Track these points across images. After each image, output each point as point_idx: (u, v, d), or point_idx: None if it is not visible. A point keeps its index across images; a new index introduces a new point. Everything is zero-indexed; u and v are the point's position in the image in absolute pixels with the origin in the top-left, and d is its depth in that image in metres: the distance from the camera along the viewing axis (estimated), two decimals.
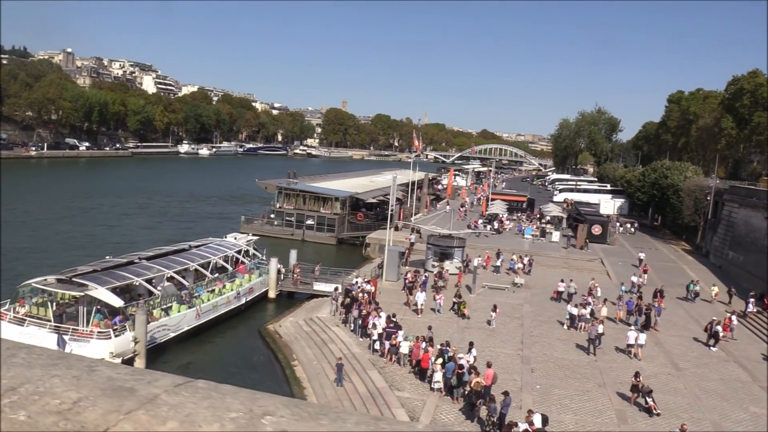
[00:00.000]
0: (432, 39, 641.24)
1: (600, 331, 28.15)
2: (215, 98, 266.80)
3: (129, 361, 25.45)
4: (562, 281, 37.84)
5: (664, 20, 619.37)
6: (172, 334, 28.73)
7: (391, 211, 42.22)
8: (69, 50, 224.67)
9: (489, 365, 21.93)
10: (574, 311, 31.33)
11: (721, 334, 30.60)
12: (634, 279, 40.40)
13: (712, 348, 29.56)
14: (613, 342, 29.10)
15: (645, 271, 41.78)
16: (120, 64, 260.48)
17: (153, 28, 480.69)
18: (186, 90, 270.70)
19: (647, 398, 20.80)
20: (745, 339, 32.34)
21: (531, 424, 17.96)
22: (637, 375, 22.25)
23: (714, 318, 31.14)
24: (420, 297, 31.48)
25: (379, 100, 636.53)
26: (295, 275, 38.91)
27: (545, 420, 18.79)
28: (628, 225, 68.20)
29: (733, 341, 31.26)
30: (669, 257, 55.06)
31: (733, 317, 32.25)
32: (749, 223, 47.39)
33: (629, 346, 28.40)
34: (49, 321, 26.21)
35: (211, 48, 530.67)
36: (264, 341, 30.56)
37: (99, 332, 25.39)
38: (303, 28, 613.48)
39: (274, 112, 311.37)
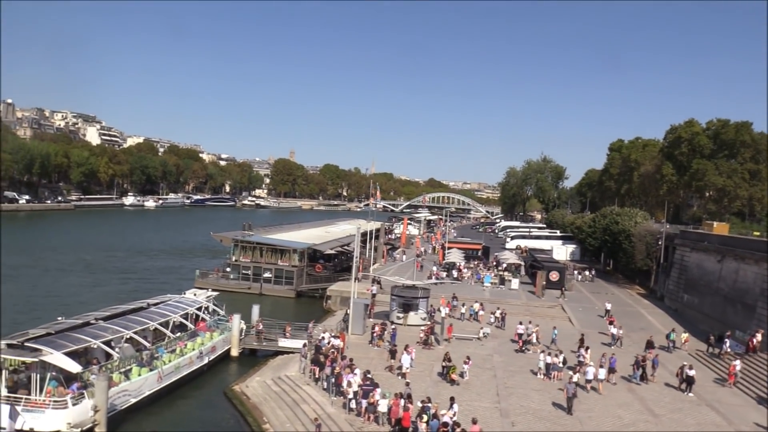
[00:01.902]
0: (378, 89, 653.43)
1: (575, 381, 27.96)
2: (161, 149, 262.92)
3: None
4: (521, 323, 39.15)
5: (601, 73, 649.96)
6: (134, 400, 26.93)
7: (356, 262, 41.47)
8: (9, 101, 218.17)
9: (474, 422, 21.33)
10: (548, 360, 31.17)
11: (726, 383, 31.83)
12: (614, 330, 39.73)
13: (689, 394, 29.71)
14: (594, 402, 28.31)
15: (611, 322, 41.75)
16: (62, 116, 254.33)
17: (97, 79, 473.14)
18: (131, 141, 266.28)
19: None
20: (713, 381, 32.70)
21: None
22: None
23: (684, 363, 31.43)
24: (405, 360, 29.74)
25: (327, 150, 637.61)
26: (286, 333, 37.36)
27: None
28: (587, 272, 68.50)
29: (703, 385, 31.54)
30: (626, 302, 55.97)
31: (737, 363, 32.25)
32: (702, 267, 48.76)
33: (588, 381, 29.52)
34: None
35: (157, 99, 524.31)
36: (231, 404, 28.97)
37: (54, 401, 23.55)
38: (249, 79, 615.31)
39: (222, 162, 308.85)
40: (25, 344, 25.41)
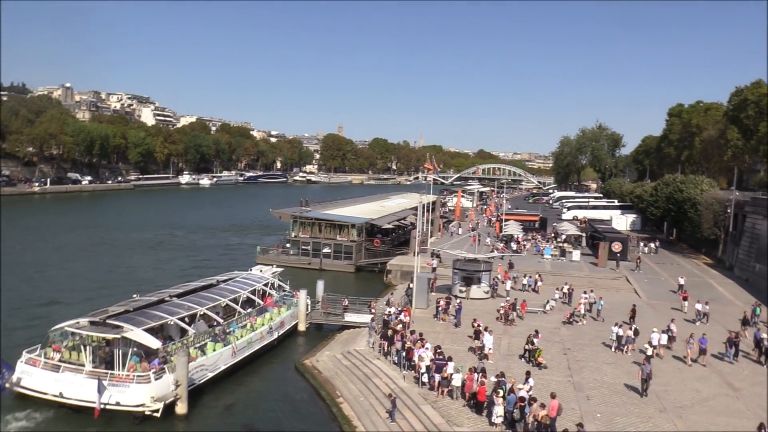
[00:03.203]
0: (425, 60, 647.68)
1: (649, 354, 27.44)
2: (213, 128, 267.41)
3: (170, 406, 24.54)
4: (585, 293, 39.09)
5: (656, 35, 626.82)
6: (210, 375, 27.70)
7: (419, 235, 41.32)
8: (67, 85, 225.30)
9: (553, 396, 21.08)
10: (620, 332, 30.58)
11: None
12: (699, 306, 37.56)
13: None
14: (670, 377, 27.63)
15: (685, 298, 40.18)
16: (118, 97, 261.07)
17: (149, 60, 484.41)
18: (184, 120, 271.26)
19: None
20: None
21: None
22: (761, 427, 19.78)
23: (764, 334, 30.37)
24: (488, 340, 28.82)
25: (375, 123, 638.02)
26: (372, 308, 37.10)
27: None
28: (652, 244, 65.52)
29: None
30: (693, 272, 54.22)
31: None
32: None
33: (654, 347, 29.40)
34: (83, 366, 25.26)
35: (208, 78, 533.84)
36: (303, 377, 29.51)
37: (138, 376, 24.41)
38: (297, 55, 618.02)
39: (272, 139, 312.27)
40: (107, 321, 26.37)
